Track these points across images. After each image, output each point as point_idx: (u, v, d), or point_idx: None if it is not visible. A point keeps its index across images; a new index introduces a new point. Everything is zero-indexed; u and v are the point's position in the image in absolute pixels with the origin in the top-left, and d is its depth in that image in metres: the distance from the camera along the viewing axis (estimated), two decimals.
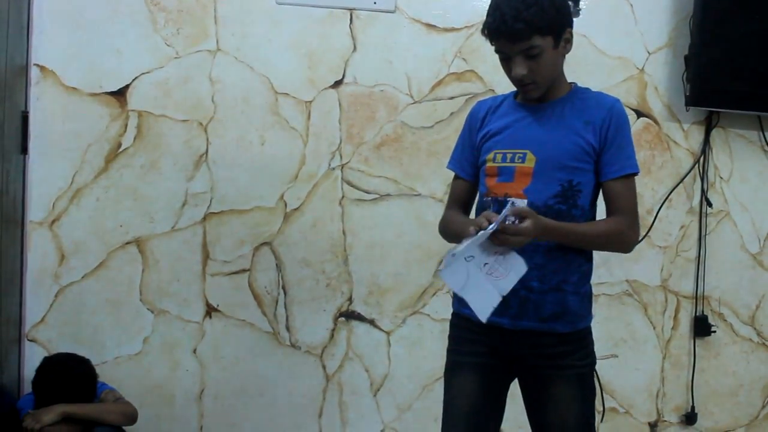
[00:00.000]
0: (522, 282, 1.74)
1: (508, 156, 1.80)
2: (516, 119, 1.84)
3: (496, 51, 1.77)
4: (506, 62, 1.77)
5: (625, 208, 1.78)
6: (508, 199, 1.75)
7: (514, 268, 1.67)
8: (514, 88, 1.85)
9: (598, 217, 1.84)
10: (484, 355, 1.84)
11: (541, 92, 1.80)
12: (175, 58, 2.69)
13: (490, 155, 1.83)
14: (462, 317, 1.88)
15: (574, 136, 1.78)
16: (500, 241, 1.63)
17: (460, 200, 1.95)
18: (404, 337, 2.80)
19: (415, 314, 2.80)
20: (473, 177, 1.91)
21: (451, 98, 2.77)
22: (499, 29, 1.70)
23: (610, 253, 2.50)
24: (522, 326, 1.77)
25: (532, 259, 1.72)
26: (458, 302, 1.90)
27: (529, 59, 1.72)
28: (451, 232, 1.90)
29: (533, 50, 1.70)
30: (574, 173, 1.77)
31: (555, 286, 1.77)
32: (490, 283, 1.67)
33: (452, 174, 1.97)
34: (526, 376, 1.85)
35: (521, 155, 1.79)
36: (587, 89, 1.88)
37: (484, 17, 1.76)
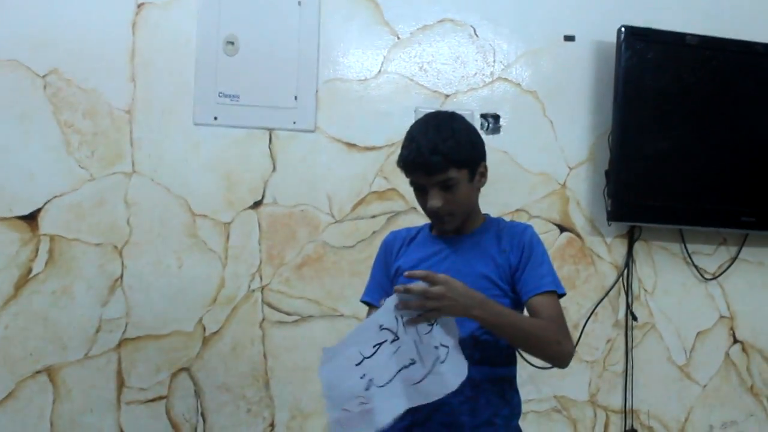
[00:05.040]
0: (453, 416, 1.70)
1: None
2: (433, 252, 1.82)
3: (412, 183, 1.77)
4: (421, 194, 1.76)
5: (552, 316, 1.71)
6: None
7: (451, 370, 1.57)
8: None
9: None
10: None
11: (456, 224, 1.79)
12: (89, 180, 2.63)
13: None
14: None
15: (492, 265, 1.77)
16: (415, 305, 1.55)
17: None
18: None
19: None
20: None
21: (373, 217, 2.74)
22: (415, 161, 1.70)
23: (537, 369, 2.51)
24: None
25: (462, 392, 1.66)
26: None
27: (445, 191, 1.72)
28: None
29: (449, 182, 1.70)
30: (497, 300, 1.73)
31: (486, 419, 1.73)
32: (405, 387, 1.58)
33: None
34: None
35: None
36: (501, 219, 1.89)
37: (403, 138, 1.76)
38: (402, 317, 1.57)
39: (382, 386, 1.59)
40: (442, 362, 1.56)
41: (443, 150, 1.68)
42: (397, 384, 1.58)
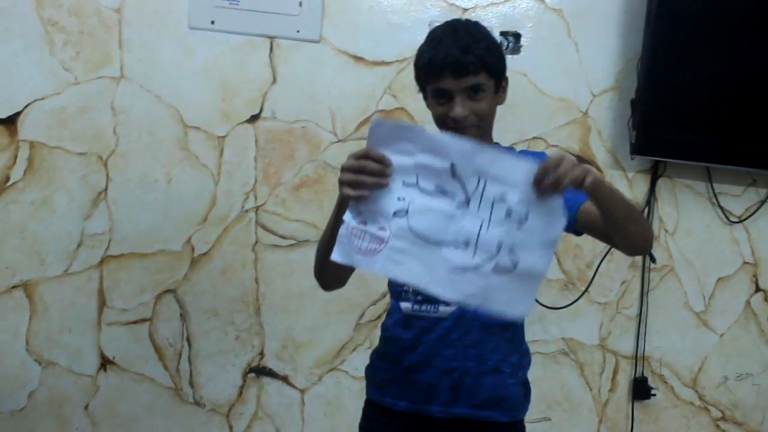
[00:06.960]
0: (456, 361, 1.57)
1: None
2: None
3: (432, 91, 1.57)
4: (443, 103, 1.56)
5: None
6: None
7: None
8: None
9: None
10: None
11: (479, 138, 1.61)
12: (74, 84, 2.45)
13: None
14: (379, 409, 1.67)
15: None
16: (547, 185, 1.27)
17: None
18: (320, 395, 2.58)
19: (333, 371, 2.58)
20: None
21: None
22: (445, 61, 1.52)
23: (546, 309, 2.37)
24: (454, 414, 1.58)
25: (468, 335, 1.56)
26: (375, 389, 1.70)
27: (472, 100, 1.55)
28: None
29: (479, 87, 1.54)
30: None
31: (493, 367, 1.59)
32: (446, 266, 1.28)
33: None
34: None
35: None
36: (512, 147, 1.77)
37: (417, 50, 1.58)
38: (482, 182, 1.25)
39: (414, 233, 1.30)
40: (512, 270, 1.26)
41: (477, 51, 1.53)
42: (435, 254, 1.29)
